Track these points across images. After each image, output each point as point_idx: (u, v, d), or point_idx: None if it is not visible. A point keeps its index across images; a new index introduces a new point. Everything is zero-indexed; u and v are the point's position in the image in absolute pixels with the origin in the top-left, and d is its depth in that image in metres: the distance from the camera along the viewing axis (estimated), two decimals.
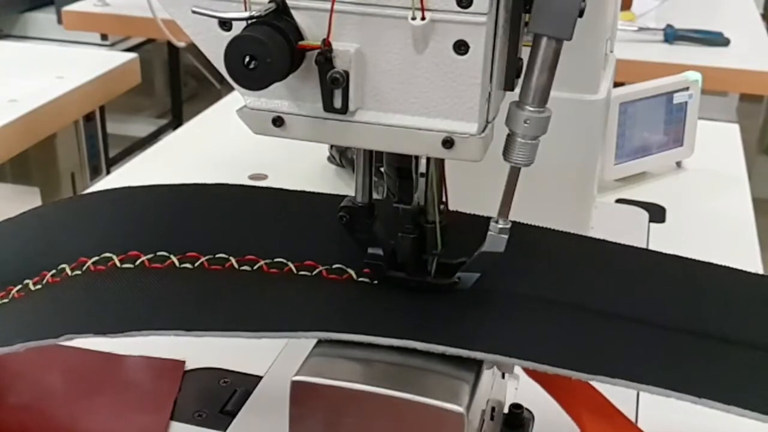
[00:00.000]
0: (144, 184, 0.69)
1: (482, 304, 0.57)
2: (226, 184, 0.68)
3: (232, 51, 0.47)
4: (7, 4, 2.31)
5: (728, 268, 0.62)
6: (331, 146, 1.10)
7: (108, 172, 1.84)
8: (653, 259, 0.65)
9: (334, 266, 0.59)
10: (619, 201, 1.06)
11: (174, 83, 2.86)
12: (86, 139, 1.76)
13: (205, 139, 1.25)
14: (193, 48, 0.96)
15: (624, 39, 1.69)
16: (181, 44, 2.03)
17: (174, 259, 0.60)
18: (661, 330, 0.57)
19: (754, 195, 1.12)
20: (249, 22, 0.48)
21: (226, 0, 0.50)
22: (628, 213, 1.03)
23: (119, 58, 1.60)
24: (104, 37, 2.25)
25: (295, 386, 0.52)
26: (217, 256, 0.61)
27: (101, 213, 0.67)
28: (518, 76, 0.52)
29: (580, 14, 0.48)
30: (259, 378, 0.73)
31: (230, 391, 0.72)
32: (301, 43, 0.48)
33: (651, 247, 0.95)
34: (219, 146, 1.20)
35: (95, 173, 1.80)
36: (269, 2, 0.48)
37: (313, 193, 0.67)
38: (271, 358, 0.75)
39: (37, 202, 1.58)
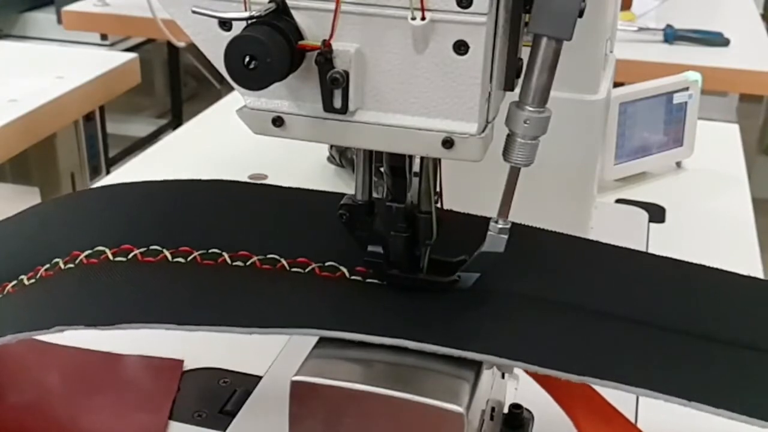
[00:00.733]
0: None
1: (477, 304, 0.57)
2: (221, 180, 0.68)
3: (232, 51, 0.47)
4: (7, 4, 2.31)
5: (722, 270, 0.63)
6: (331, 146, 1.10)
7: (108, 172, 1.84)
8: (649, 262, 0.65)
9: (327, 264, 0.59)
10: (618, 201, 1.06)
11: (174, 83, 2.86)
12: (86, 139, 1.76)
13: (205, 139, 1.25)
14: (193, 48, 0.96)
15: (624, 39, 1.69)
16: (181, 44, 2.03)
17: (167, 253, 0.60)
18: (655, 332, 0.57)
19: (754, 195, 1.12)
20: (249, 22, 0.48)
21: (225, 0, 0.50)
22: (627, 213, 1.03)
23: (119, 58, 1.60)
24: (104, 37, 2.26)
25: (295, 386, 0.52)
26: (210, 251, 0.61)
27: (96, 209, 0.68)
28: (518, 76, 0.52)
29: (580, 14, 0.48)
30: (259, 378, 0.73)
31: (230, 391, 0.72)
32: (300, 42, 0.48)
33: (651, 247, 0.95)
34: (219, 146, 1.20)
35: (95, 173, 1.80)
36: (269, 2, 0.48)
37: (308, 190, 0.67)
38: (271, 358, 0.75)
39: (37, 201, 1.58)
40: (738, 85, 1.77)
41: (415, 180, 0.56)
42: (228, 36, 0.48)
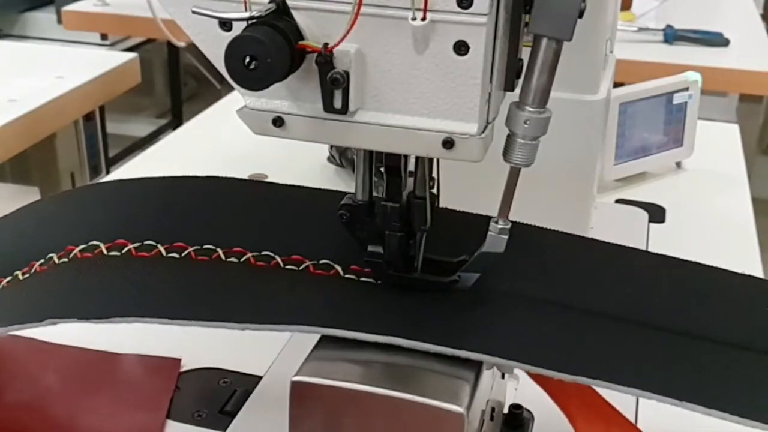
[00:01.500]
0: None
1: (473, 303, 0.57)
2: (216, 177, 0.68)
3: (233, 51, 0.47)
4: (7, 4, 2.31)
5: (722, 270, 0.63)
6: (331, 146, 1.10)
7: (108, 172, 1.84)
8: (649, 261, 0.65)
9: (321, 262, 0.59)
10: (618, 201, 1.06)
11: (174, 83, 2.86)
12: (86, 139, 1.75)
13: (205, 139, 1.25)
14: (193, 48, 0.96)
15: (624, 39, 1.69)
16: (181, 44, 2.03)
17: (161, 248, 0.60)
18: (652, 332, 0.57)
19: (754, 195, 1.12)
20: (249, 22, 0.48)
21: (226, 0, 0.50)
22: (627, 213, 1.03)
23: (119, 57, 1.60)
24: (104, 36, 2.26)
25: (295, 386, 0.52)
26: (204, 247, 0.61)
27: (91, 205, 0.68)
28: (518, 77, 0.52)
29: (580, 15, 0.48)
30: (259, 378, 0.73)
31: (230, 391, 0.72)
32: (301, 43, 0.48)
33: (651, 247, 0.95)
34: (219, 146, 1.20)
35: (95, 173, 1.80)
36: (269, 2, 0.48)
37: (305, 187, 0.67)
38: (271, 359, 0.75)
39: None
40: (738, 86, 1.77)
41: (411, 178, 0.56)
42: (228, 36, 0.48)
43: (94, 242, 0.61)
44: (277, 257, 0.60)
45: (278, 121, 0.52)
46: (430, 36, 0.48)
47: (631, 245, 0.65)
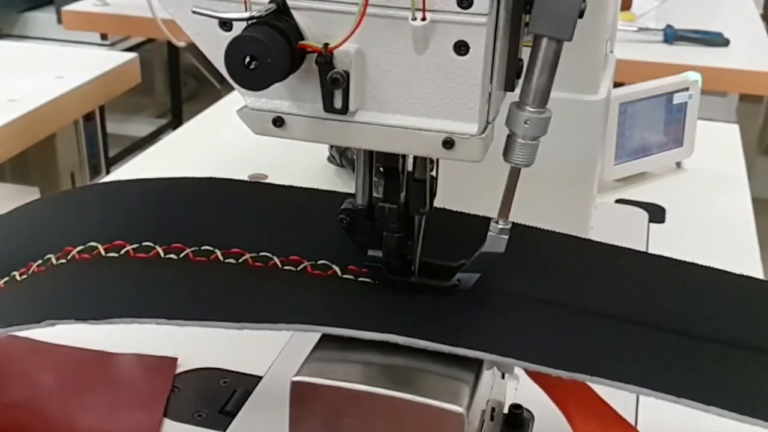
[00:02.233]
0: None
1: (471, 302, 0.57)
2: (214, 178, 0.69)
3: (233, 51, 0.47)
4: (7, 4, 2.31)
5: (720, 270, 0.63)
6: (331, 146, 1.10)
7: (108, 172, 1.84)
8: (647, 261, 0.65)
9: (319, 262, 0.60)
10: (618, 201, 1.06)
11: (174, 83, 2.86)
12: (86, 139, 1.76)
13: (205, 139, 1.25)
14: (193, 48, 0.96)
15: (624, 39, 1.69)
16: (181, 44, 2.03)
17: (159, 249, 0.60)
18: (651, 331, 0.57)
19: (754, 195, 1.12)
20: (249, 22, 0.48)
21: (226, 0, 0.50)
22: (627, 213, 1.03)
23: (119, 57, 1.60)
24: (104, 36, 2.26)
25: (295, 386, 0.52)
26: (202, 248, 0.61)
27: (90, 205, 0.68)
28: (518, 77, 0.52)
29: (580, 15, 0.48)
30: (259, 378, 0.73)
31: (230, 391, 0.72)
32: (301, 43, 0.48)
33: (651, 247, 0.95)
34: (219, 146, 1.20)
35: (95, 173, 1.80)
36: (269, 2, 0.48)
37: (303, 188, 0.68)
38: (271, 359, 0.75)
39: None
40: (738, 86, 1.77)
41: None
42: (228, 36, 0.48)
43: (93, 243, 0.61)
44: (275, 258, 0.60)
45: (278, 121, 0.52)
46: (430, 36, 0.48)
47: (631, 245, 0.65)
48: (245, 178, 1.09)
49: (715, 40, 1.74)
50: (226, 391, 0.72)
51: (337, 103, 0.49)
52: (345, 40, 0.48)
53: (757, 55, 1.72)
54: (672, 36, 1.74)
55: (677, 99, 1.09)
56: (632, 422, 0.67)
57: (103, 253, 0.60)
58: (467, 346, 0.52)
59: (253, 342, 0.75)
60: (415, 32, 0.48)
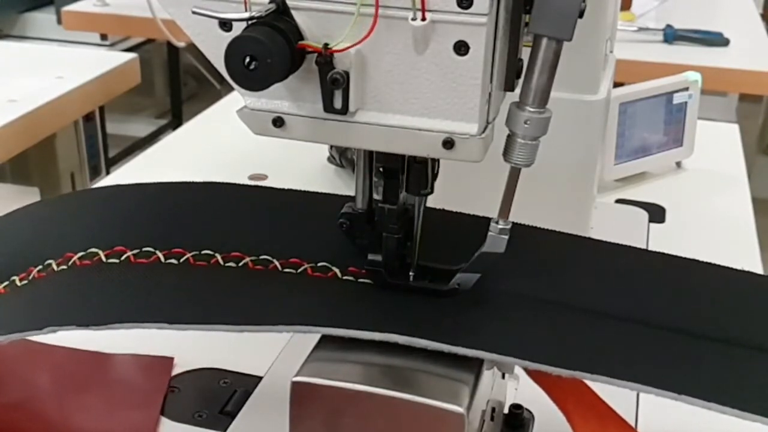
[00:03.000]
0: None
1: (470, 302, 0.57)
2: (214, 183, 0.69)
3: (233, 51, 0.47)
4: (7, 4, 2.31)
5: (722, 267, 0.63)
6: (331, 146, 1.10)
7: (108, 172, 1.84)
8: (648, 259, 0.65)
9: (320, 264, 0.60)
10: (618, 201, 1.06)
11: (174, 83, 2.86)
12: (86, 139, 1.76)
13: (204, 139, 1.25)
14: (192, 48, 0.96)
15: (624, 39, 1.69)
16: (181, 44, 2.03)
17: (159, 254, 0.61)
18: (652, 329, 0.57)
19: (754, 195, 1.12)
20: (249, 22, 0.48)
21: (226, 0, 0.50)
22: (627, 213, 1.03)
23: (119, 58, 1.60)
24: (104, 37, 2.26)
25: (296, 387, 0.52)
26: (202, 252, 0.61)
27: (90, 210, 0.68)
28: (518, 77, 0.52)
29: (580, 15, 0.48)
30: (259, 378, 0.73)
31: (230, 391, 0.72)
32: (301, 43, 0.48)
33: (651, 247, 0.95)
34: (219, 146, 1.20)
35: (95, 173, 1.80)
36: (269, 3, 0.48)
37: (301, 191, 0.68)
38: (271, 359, 0.75)
39: None
40: (738, 85, 1.77)
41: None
42: (228, 36, 0.48)
43: (93, 249, 0.61)
44: (275, 261, 0.60)
45: (278, 122, 0.52)
46: (430, 36, 0.48)
47: (631, 245, 0.65)
48: (245, 178, 1.10)
49: (715, 39, 1.74)
50: (227, 391, 0.72)
51: (337, 104, 0.49)
52: (355, 44, 0.48)
53: (757, 55, 1.72)
54: (672, 36, 1.74)
55: (677, 99, 1.09)
56: (632, 422, 0.67)
57: (103, 259, 0.61)
58: (467, 345, 0.52)
59: (253, 342, 0.75)
60: (415, 32, 0.48)
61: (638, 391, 0.52)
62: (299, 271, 0.60)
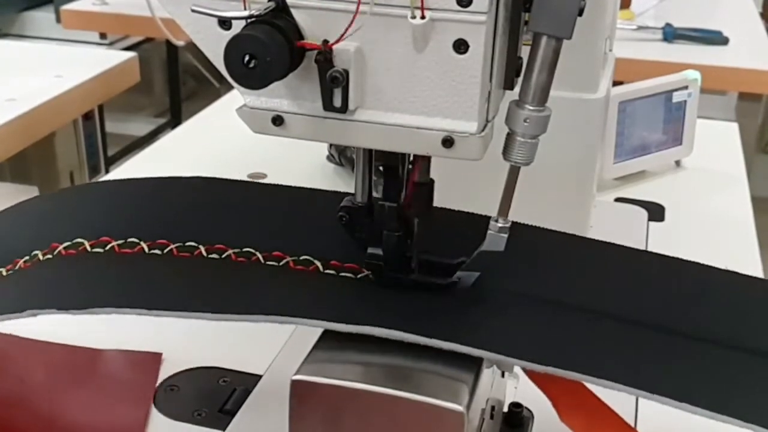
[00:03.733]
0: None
1: (470, 300, 0.57)
2: (201, 177, 0.70)
3: (232, 50, 0.47)
4: (6, 3, 2.31)
5: (721, 270, 0.63)
6: (330, 145, 1.10)
7: (107, 171, 1.84)
8: (647, 260, 0.65)
9: (302, 258, 0.60)
10: (618, 200, 1.06)
11: (173, 82, 2.86)
12: (85, 138, 1.75)
13: (203, 138, 1.25)
14: (191, 47, 0.96)
15: (623, 38, 1.69)
16: (180, 43, 2.03)
17: (143, 245, 0.61)
18: (648, 331, 0.57)
19: (753, 193, 1.12)
20: (248, 21, 0.48)
21: None
22: (627, 212, 1.03)
23: (118, 57, 1.60)
24: (103, 36, 2.25)
25: (295, 385, 0.52)
26: (186, 244, 0.62)
27: (77, 205, 0.69)
28: (518, 75, 0.52)
29: (580, 13, 0.48)
30: (259, 377, 0.73)
31: (229, 390, 0.72)
32: (300, 41, 0.48)
33: (650, 246, 0.95)
34: (218, 145, 1.20)
35: (94, 172, 1.80)
36: (269, 1, 0.48)
37: (289, 187, 0.69)
38: (271, 357, 0.75)
39: None
40: (737, 84, 1.77)
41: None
42: (228, 35, 0.48)
43: (79, 240, 0.62)
44: (257, 253, 0.61)
45: (278, 120, 0.52)
46: (429, 34, 0.48)
47: (630, 244, 0.65)
48: (244, 176, 1.09)
49: (715, 38, 1.74)
50: (226, 389, 0.72)
51: (337, 102, 0.49)
52: (343, 36, 0.48)
53: (757, 54, 1.72)
54: (671, 34, 1.74)
55: (676, 97, 1.09)
56: (632, 420, 0.67)
57: (88, 248, 0.61)
58: (465, 343, 0.52)
59: (252, 341, 0.75)
60: (414, 31, 0.48)
61: (632, 394, 0.51)
62: (281, 263, 0.60)
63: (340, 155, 1.10)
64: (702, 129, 1.14)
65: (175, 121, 2.84)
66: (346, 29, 0.48)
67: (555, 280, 0.60)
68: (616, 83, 0.92)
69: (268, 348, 0.75)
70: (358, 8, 0.48)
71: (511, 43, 0.50)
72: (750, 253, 0.96)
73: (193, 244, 0.61)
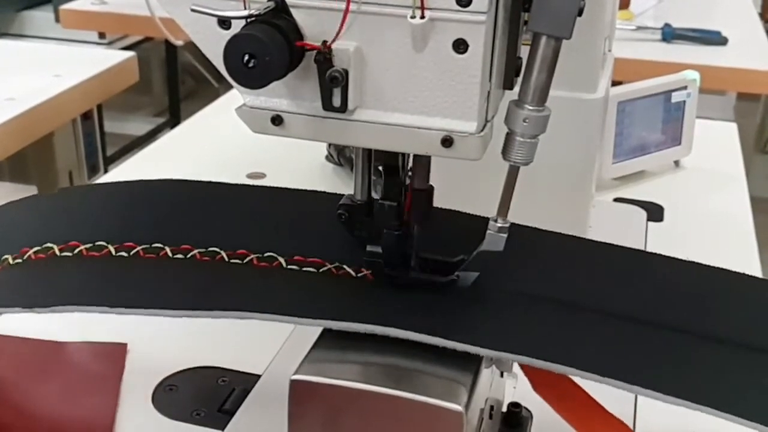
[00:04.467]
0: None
1: (468, 300, 0.57)
2: (174, 180, 0.70)
3: (232, 49, 0.47)
4: (5, 3, 2.31)
5: (719, 269, 0.63)
6: (330, 145, 1.10)
7: (106, 171, 1.84)
8: (645, 260, 0.65)
9: (266, 254, 0.61)
10: (617, 200, 1.06)
11: (171, 82, 2.86)
12: (84, 138, 1.75)
13: (202, 137, 1.25)
14: (190, 46, 0.96)
15: (622, 38, 1.69)
16: (179, 42, 2.02)
17: (111, 248, 0.62)
18: (647, 329, 0.57)
19: (752, 193, 1.12)
20: (248, 20, 0.48)
21: None
22: (626, 212, 1.03)
23: (117, 56, 1.60)
24: (102, 35, 2.26)
25: (294, 385, 0.52)
26: (153, 245, 0.62)
27: (50, 211, 0.70)
28: (517, 75, 0.52)
29: (579, 13, 0.48)
30: (258, 377, 0.73)
31: (228, 389, 0.72)
32: (300, 41, 0.48)
33: (649, 246, 0.95)
34: (217, 145, 1.20)
35: (93, 172, 1.80)
36: (268, 0, 0.48)
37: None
38: (270, 357, 0.75)
39: None
40: (736, 84, 1.77)
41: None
42: (227, 34, 0.48)
43: (48, 244, 0.63)
44: (222, 252, 0.62)
45: (277, 120, 0.52)
46: (429, 34, 0.48)
47: (629, 244, 0.65)
48: (243, 176, 1.10)
49: (713, 38, 1.74)
50: (225, 389, 0.72)
51: (336, 102, 0.49)
52: (337, 36, 0.48)
53: (755, 54, 1.72)
54: (670, 34, 1.74)
55: (675, 97, 1.09)
56: (630, 418, 0.67)
57: (57, 253, 0.62)
58: (463, 340, 0.52)
59: (251, 340, 0.75)
60: (414, 30, 0.48)
61: (630, 391, 0.52)
62: (245, 261, 0.61)
63: (339, 155, 1.10)
64: (701, 129, 1.14)
65: (174, 120, 2.84)
66: (340, 28, 0.48)
67: (554, 280, 0.60)
68: (615, 83, 0.93)
69: (267, 348, 0.75)
70: (348, 6, 0.48)
71: (510, 43, 0.50)
72: (749, 253, 0.96)
73: (158, 245, 0.62)
